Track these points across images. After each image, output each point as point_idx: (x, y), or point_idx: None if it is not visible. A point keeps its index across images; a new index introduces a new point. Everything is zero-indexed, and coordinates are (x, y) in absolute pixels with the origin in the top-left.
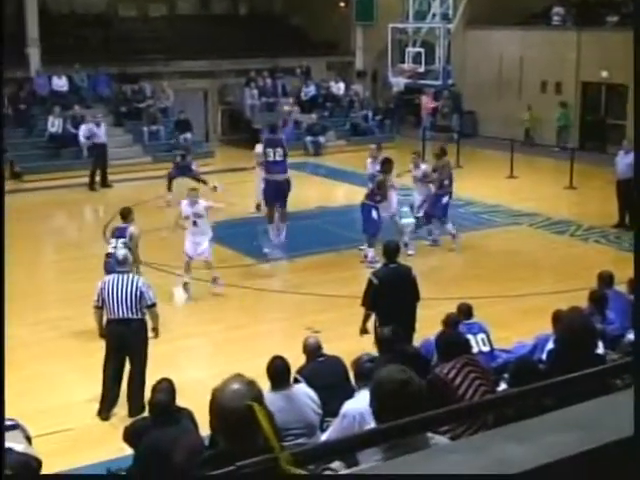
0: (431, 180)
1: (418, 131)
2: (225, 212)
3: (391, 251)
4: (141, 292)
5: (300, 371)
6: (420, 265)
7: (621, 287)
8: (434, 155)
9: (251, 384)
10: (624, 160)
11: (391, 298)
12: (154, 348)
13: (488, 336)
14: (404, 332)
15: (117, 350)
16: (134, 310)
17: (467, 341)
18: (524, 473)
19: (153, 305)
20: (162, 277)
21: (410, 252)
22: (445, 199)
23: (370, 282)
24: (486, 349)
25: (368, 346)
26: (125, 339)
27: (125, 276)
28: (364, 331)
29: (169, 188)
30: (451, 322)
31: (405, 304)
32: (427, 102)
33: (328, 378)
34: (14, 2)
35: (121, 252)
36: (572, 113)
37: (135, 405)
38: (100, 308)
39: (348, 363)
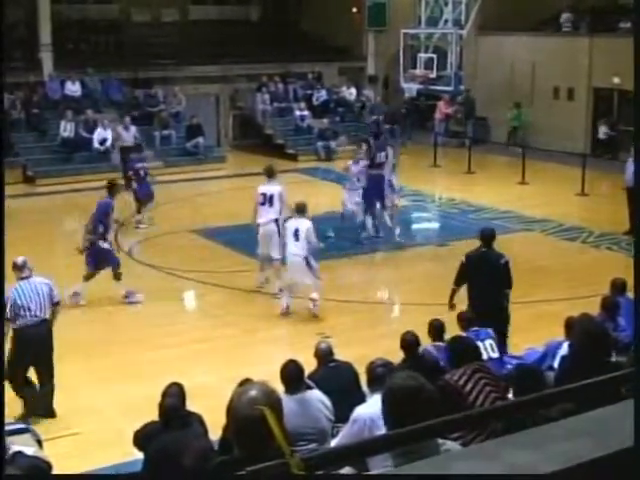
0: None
1: (430, 137)
2: (237, 217)
3: (486, 236)
4: (50, 290)
5: (311, 376)
6: (432, 270)
7: (633, 294)
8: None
9: (270, 392)
10: (633, 167)
11: (474, 280)
12: (165, 352)
13: (496, 342)
14: (490, 312)
15: (31, 354)
16: (47, 311)
17: (477, 348)
18: (535, 479)
19: (58, 303)
20: (172, 281)
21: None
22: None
23: (461, 262)
24: (495, 355)
25: (379, 351)
26: (41, 340)
27: (32, 279)
28: (451, 306)
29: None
30: (437, 330)
31: (488, 288)
32: (443, 107)
33: (339, 384)
34: (27, 7)
35: (19, 258)
36: (524, 114)
37: (47, 410)
38: (10, 319)
39: (359, 368)
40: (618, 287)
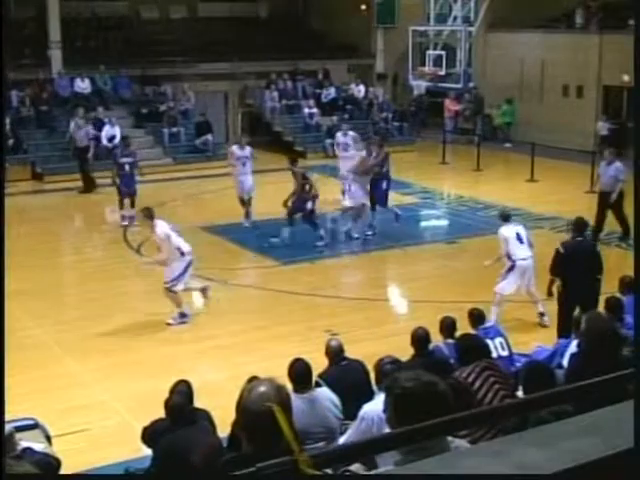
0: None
1: (439, 134)
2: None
3: (580, 225)
4: None
5: (322, 375)
6: (442, 268)
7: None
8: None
9: (279, 388)
10: (608, 172)
11: (573, 268)
12: (174, 349)
13: (506, 340)
14: (586, 298)
15: None
16: None
17: (487, 345)
18: (544, 478)
19: None
20: None
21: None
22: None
23: (557, 251)
24: (505, 353)
25: (386, 349)
26: None
27: None
28: (550, 294)
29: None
30: (448, 328)
31: (585, 274)
32: (450, 105)
33: (350, 382)
34: (36, 5)
35: None
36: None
37: None
38: None
39: (367, 366)
40: (627, 285)
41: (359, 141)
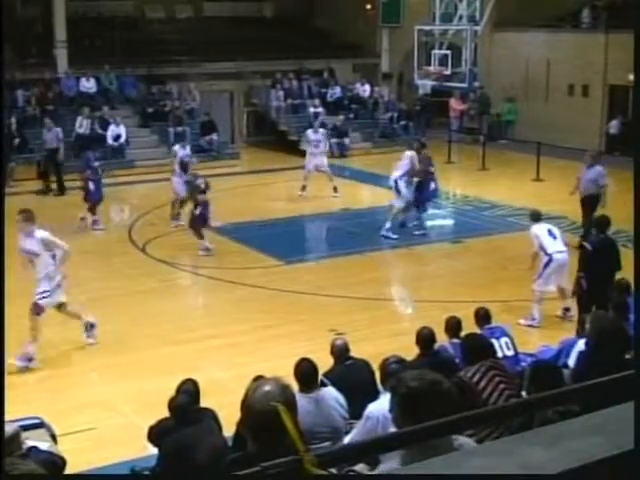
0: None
1: (444, 133)
2: (250, 213)
3: (603, 223)
4: None
5: (327, 374)
6: (446, 267)
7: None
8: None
9: (284, 387)
10: (587, 176)
11: (598, 264)
12: (179, 348)
13: (512, 340)
14: (605, 295)
15: None
16: None
17: (492, 345)
18: (549, 478)
19: None
20: (185, 277)
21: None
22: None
23: (584, 248)
24: (510, 353)
25: (392, 348)
26: None
27: None
28: (575, 293)
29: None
30: (453, 327)
31: (610, 270)
32: (455, 104)
33: (355, 381)
34: (42, 4)
35: None
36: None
37: None
38: None
39: (373, 366)
40: (622, 288)
41: (329, 138)
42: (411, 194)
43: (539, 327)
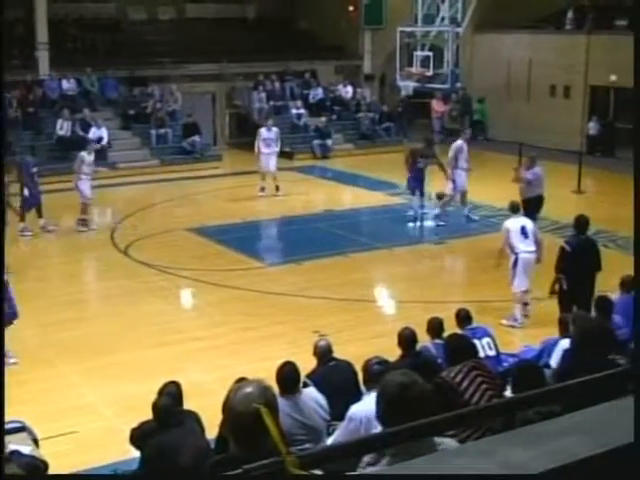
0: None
1: (426, 135)
2: (233, 215)
3: (582, 224)
4: None
5: (310, 375)
6: (429, 268)
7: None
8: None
9: (265, 389)
10: (527, 178)
11: (579, 264)
12: (162, 351)
13: (493, 340)
14: (586, 296)
15: None
16: None
17: (474, 345)
18: (531, 477)
19: None
20: (168, 279)
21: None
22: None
23: (563, 249)
24: (492, 353)
25: (374, 349)
26: None
27: None
28: (554, 292)
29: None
30: (435, 328)
31: (589, 271)
32: (437, 105)
33: (338, 382)
34: (24, 6)
35: None
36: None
37: None
38: None
39: (355, 367)
40: (626, 285)
41: (279, 137)
42: (465, 184)
43: (521, 327)
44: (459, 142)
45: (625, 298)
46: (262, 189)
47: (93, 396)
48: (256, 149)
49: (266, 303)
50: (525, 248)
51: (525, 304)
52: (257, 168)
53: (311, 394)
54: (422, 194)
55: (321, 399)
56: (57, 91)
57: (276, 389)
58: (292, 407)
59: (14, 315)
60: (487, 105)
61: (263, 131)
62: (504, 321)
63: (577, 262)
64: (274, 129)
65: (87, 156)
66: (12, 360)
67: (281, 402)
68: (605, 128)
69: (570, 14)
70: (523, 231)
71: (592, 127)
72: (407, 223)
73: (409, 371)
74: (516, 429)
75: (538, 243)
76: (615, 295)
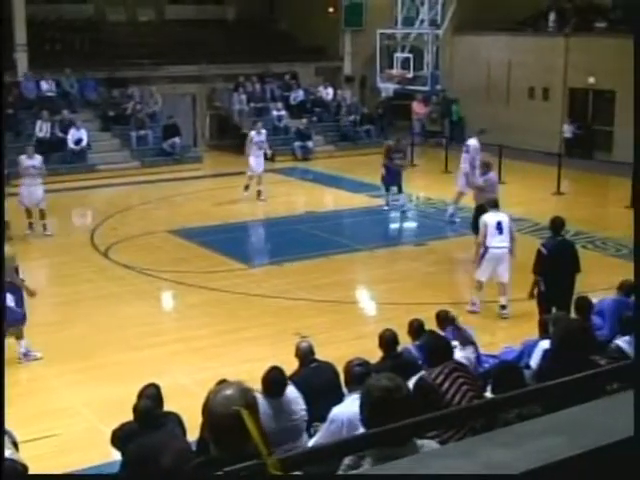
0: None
1: (407, 137)
2: (214, 217)
3: (557, 225)
4: None
5: (292, 376)
6: (410, 270)
7: (609, 293)
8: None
9: (245, 391)
10: (479, 183)
11: (557, 266)
12: (143, 353)
13: (474, 346)
14: (564, 297)
15: None
16: None
17: (449, 344)
18: (512, 478)
19: None
20: (149, 281)
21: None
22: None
23: (539, 252)
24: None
25: (356, 351)
26: None
27: None
28: (532, 295)
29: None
30: (416, 330)
31: (568, 272)
32: (417, 107)
33: (320, 384)
34: (2, 7)
35: None
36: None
37: None
38: None
39: (337, 368)
40: (624, 288)
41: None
42: (464, 185)
43: (479, 313)
44: (476, 143)
45: (621, 300)
46: (246, 187)
47: (74, 399)
48: (247, 152)
49: (248, 305)
50: (496, 244)
51: (502, 307)
52: (247, 170)
53: (291, 394)
54: (400, 190)
55: (299, 397)
56: (34, 92)
57: (260, 391)
58: (273, 408)
59: (24, 317)
60: (460, 106)
61: (254, 134)
62: (468, 307)
63: (554, 264)
64: (263, 131)
65: (27, 161)
66: (38, 355)
67: (265, 404)
68: (580, 131)
69: (552, 16)
70: (499, 226)
71: (567, 130)
72: (403, 218)
73: (393, 375)
74: (496, 430)
75: (513, 239)
76: (611, 295)
